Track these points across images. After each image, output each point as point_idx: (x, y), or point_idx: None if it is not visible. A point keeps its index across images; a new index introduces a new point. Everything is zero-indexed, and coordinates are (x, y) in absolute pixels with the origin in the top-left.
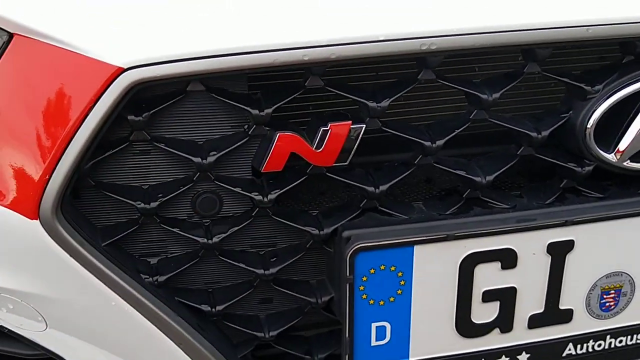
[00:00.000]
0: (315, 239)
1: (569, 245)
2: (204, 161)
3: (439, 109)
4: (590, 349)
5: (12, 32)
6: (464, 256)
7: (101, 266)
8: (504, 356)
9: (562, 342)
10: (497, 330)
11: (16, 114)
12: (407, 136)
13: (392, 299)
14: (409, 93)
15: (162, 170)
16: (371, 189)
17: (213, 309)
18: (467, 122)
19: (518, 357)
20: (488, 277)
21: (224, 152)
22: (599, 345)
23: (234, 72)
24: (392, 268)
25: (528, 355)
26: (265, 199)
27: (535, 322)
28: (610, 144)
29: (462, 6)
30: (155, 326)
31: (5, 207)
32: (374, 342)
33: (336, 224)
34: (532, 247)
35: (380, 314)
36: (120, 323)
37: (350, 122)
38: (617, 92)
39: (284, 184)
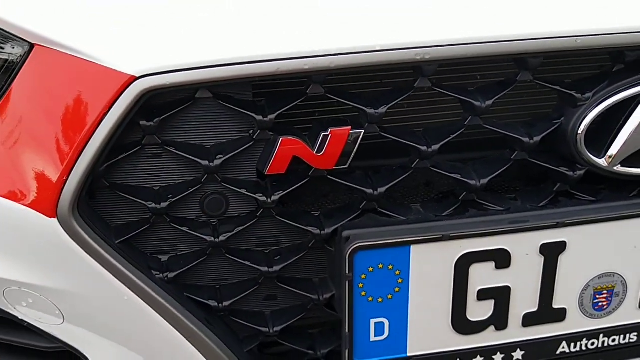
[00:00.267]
0: (317, 239)
1: (561, 247)
2: (212, 164)
3: (436, 115)
4: (584, 348)
5: (33, 42)
6: (459, 256)
7: (115, 262)
8: (499, 353)
9: (556, 340)
10: (492, 327)
11: (36, 120)
12: (404, 141)
13: (390, 296)
14: (408, 100)
15: (172, 173)
16: (370, 191)
17: (220, 305)
18: (461, 128)
19: (513, 354)
20: (483, 276)
21: (230, 155)
22: (593, 344)
23: (240, 80)
24: (390, 267)
25: (523, 352)
26: (269, 200)
27: (529, 320)
28: (601, 149)
29: (455, 17)
30: (165, 320)
31: (26, 206)
32: (373, 338)
33: (337, 224)
34: (525, 247)
35: (379, 311)
36: (132, 316)
37: (349, 127)
38: (607, 100)
39: (287, 185)
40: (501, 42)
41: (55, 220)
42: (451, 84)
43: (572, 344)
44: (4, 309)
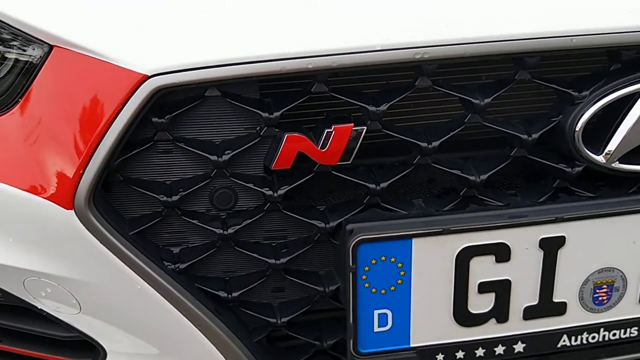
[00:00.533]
0: (322, 232)
1: (560, 241)
2: (220, 159)
3: (438, 114)
4: (584, 341)
5: (52, 44)
6: (459, 249)
7: (128, 253)
8: (500, 345)
9: (557, 334)
10: (493, 320)
11: (54, 118)
12: (406, 138)
13: (392, 288)
14: (412, 100)
15: (183, 167)
16: (373, 186)
17: (229, 295)
18: (461, 125)
19: (514, 346)
20: (483, 269)
21: (237, 151)
22: (593, 338)
23: (247, 79)
24: (392, 259)
25: (524, 345)
26: (276, 194)
27: (530, 313)
28: (599, 146)
29: (454, 17)
30: (177, 309)
31: (45, 198)
32: (376, 329)
33: (341, 218)
34: (524, 242)
35: (382, 302)
36: (144, 306)
37: (352, 124)
38: (604, 98)
39: (292, 180)
40: (498, 41)
41: (72, 212)
42: (451, 83)
43: (573, 338)
44: (24, 298)
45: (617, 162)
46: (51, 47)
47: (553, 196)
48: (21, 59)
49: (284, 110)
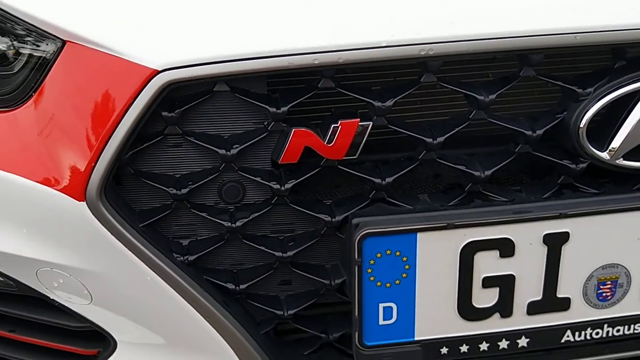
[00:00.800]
0: (328, 226)
1: (564, 237)
2: (229, 153)
3: (445, 110)
4: (588, 337)
5: (65, 39)
6: (463, 244)
7: (138, 245)
8: (504, 339)
9: (561, 329)
10: (497, 314)
11: (67, 111)
12: (411, 133)
13: (397, 281)
14: (418, 96)
15: (192, 161)
16: (378, 180)
17: (237, 287)
18: (466, 121)
19: (518, 341)
20: (487, 264)
21: (246, 145)
22: (597, 334)
23: (254, 74)
24: (397, 253)
25: (528, 339)
26: (283, 188)
27: (534, 308)
28: (603, 142)
29: (459, 14)
30: (185, 300)
31: (58, 190)
32: (381, 322)
33: (347, 212)
34: (528, 237)
35: (387, 295)
36: (153, 296)
37: (358, 119)
38: (609, 94)
39: (299, 174)
40: (503, 38)
41: (84, 203)
42: (456, 79)
43: (577, 333)
44: (37, 289)
45: (622, 159)
46: (64, 42)
47: (557, 192)
48: (35, 54)
49: (291, 105)
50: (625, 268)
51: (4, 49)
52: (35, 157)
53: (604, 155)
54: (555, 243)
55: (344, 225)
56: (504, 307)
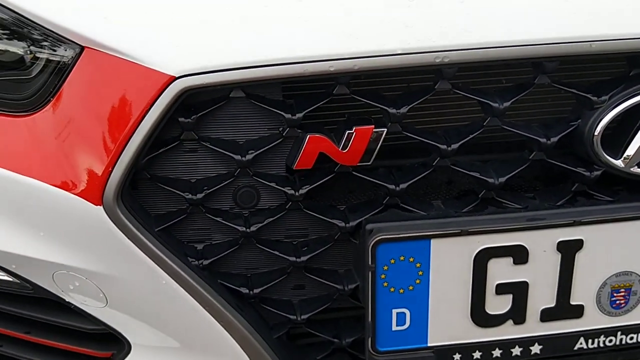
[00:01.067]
0: (342, 231)
1: (578, 244)
2: (244, 159)
3: (459, 117)
4: (601, 344)
5: (83, 45)
6: (477, 250)
7: (154, 248)
8: (517, 346)
9: (574, 336)
10: (510, 321)
11: (85, 117)
12: (426, 140)
13: (411, 287)
14: (432, 103)
15: (208, 166)
16: (392, 186)
17: (251, 292)
18: (480, 128)
19: (531, 348)
20: (501, 271)
21: (261, 150)
22: (610, 341)
23: (270, 81)
24: (411, 259)
25: (541, 347)
26: (297, 194)
27: (547, 315)
28: (618, 150)
29: (474, 22)
30: (199, 304)
31: (76, 194)
32: (394, 327)
33: (361, 218)
34: (542, 244)
35: (400, 301)
36: (168, 300)
37: (373, 126)
38: (623, 102)
39: (314, 180)
40: (518, 46)
41: (101, 208)
42: (471, 86)
43: (590, 341)
44: (53, 291)
45: (636, 167)
46: (82, 48)
47: (571, 200)
48: (53, 59)
49: (306, 111)
50: (639, 276)
51: (22, 53)
52: (53, 162)
53: (619, 163)
54: (569, 250)
55: (357, 230)
56: (517, 314)
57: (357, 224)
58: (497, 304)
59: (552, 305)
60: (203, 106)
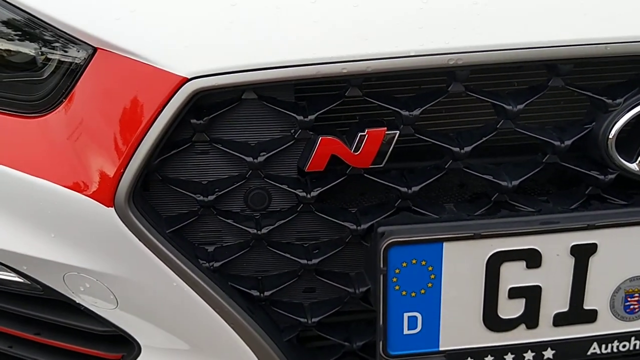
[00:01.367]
0: (353, 234)
1: (592, 248)
2: (255, 160)
3: (472, 119)
4: (615, 349)
5: (96, 46)
6: (490, 254)
7: (165, 250)
8: (529, 351)
9: (587, 341)
10: (523, 326)
11: (97, 118)
12: (438, 142)
13: (423, 291)
14: (445, 105)
15: (219, 168)
16: (404, 189)
17: (262, 294)
18: (494, 131)
19: (544, 352)
20: (514, 275)
21: (272, 152)
22: (624, 346)
23: (283, 82)
24: (423, 262)
25: (553, 351)
26: (309, 196)
27: (560, 320)
28: (633, 154)
29: (487, 24)
30: (210, 306)
31: (87, 196)
32: (406, 331)
33: (372, 221)
34: (555, 248)
35: (412, 305)
36: (179, 302)
37: (385, 128)
38: (638, 105)
39: (325, 182)
40: (531, 48)
41: (112, 209)
42: (484, 89)
43: (603, 346)
44: (64, 293)
45: None
46: (95, 49)
47: (585, 203)
48: (65, 60)
49: (318, 113)
50: None
51: (34, 54)
52: (65, 163)
53: (634, 166)
54: (582, 254)
55: (369, 233)
56: (530, 318)
57: (368, 226)
58: (510, 308)
59: (565, 309)
60: (215, 108)
